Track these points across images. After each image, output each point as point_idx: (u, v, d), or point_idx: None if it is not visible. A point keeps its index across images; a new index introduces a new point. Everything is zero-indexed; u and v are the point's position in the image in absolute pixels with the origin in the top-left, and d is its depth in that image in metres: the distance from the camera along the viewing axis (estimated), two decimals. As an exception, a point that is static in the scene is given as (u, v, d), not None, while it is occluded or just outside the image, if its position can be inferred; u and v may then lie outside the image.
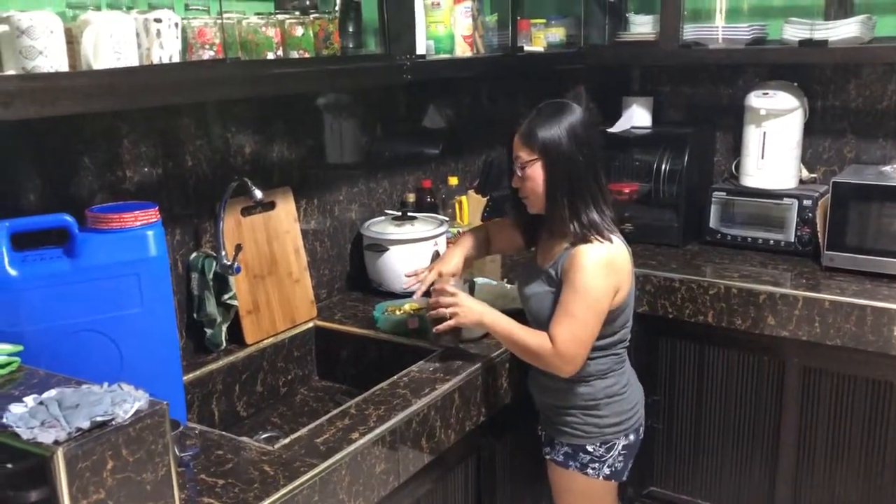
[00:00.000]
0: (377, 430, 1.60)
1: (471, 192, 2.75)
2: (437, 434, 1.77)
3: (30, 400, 1.16)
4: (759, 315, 2.40)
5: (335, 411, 1.69)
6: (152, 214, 1.54)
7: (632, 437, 1.96)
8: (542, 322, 1.84)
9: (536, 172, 1.78)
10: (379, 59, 1.95)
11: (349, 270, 2.47)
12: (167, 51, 1.50)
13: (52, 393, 1.18)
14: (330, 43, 1.84)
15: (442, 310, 1.85)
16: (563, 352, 1.77)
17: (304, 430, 1.61)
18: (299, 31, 1.76)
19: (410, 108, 2.63)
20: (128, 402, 1.16)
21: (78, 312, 1.46)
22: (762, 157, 2.75)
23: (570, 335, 1.76)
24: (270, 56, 1.70)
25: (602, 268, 1.76)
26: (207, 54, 1.58)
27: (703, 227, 2.84)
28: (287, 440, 1.58)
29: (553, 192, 1.78)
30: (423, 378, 1.84)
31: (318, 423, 1.64)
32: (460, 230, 2.65)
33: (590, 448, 1.92)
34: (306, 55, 1.78)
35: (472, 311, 1.84)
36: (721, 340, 2.53)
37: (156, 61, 1.49)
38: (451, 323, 1.85)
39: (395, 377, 1.85)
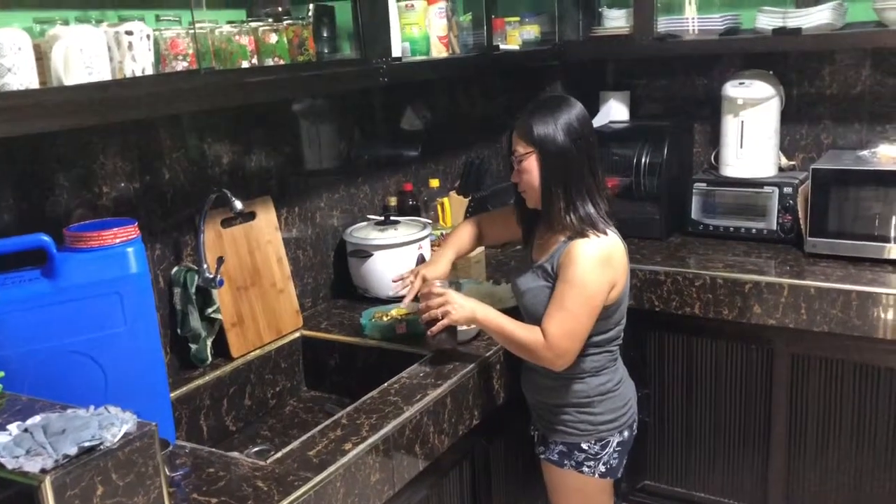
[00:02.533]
0: (370, 440, 1.58)
1: (452, 193, 2.73)
2: (430, 440, 1.75)
3: (14, 427, 1.13)
4: (745, 304, 2.41)
5: (327, 422, 1.67)
6: (132, 231, 1.51)
7: (626, 433, 1.95)
8: (536, 317, 1.83)
9: (532, 166, 1.78)
10: (355, 63, 1.92)
11: (333, 278, 2.44)
12: (140, 63, 1.47)
13: (37, 419, 1.15)
14: (305, 49, 1.82)
15: (434, 311, 1.84)
16: (556, 346, 1.76)
17: (296, 444, 1.59)
18: (273, 38, 1.74)
19: (388, 110, 2.61)
20: (115, 425, 1.13)
21: (59, 334, 1.43)
22: (741, 147, 2.75)
23: (563, 329, 1.75)
24: (245, 65, 1.67)
25: (598, 262, 1.76)
26: (181, 65, 1.55)
27: (685, 218, 2.84)
28: (279, 454, 1.55)
29: (548, 185, 1.78)
30: (413, 384, 1.82)
31: (310, 435, 1.61)
32: (443, 232, 2.64)
33: (584, 446, 1.91)
34: (281, 62, 1.75)
35: (463, 307, 1.83)
36: (709, 331, 2.54)
37: (128, 75, 1.46)
38: (444, 322, 1.84)
39: (386, 384, 1.83)
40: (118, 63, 1.46)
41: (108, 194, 1.79)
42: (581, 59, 3.04)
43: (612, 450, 1.93)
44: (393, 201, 2.59)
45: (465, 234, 2.13)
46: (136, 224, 1.53)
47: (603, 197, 1.84)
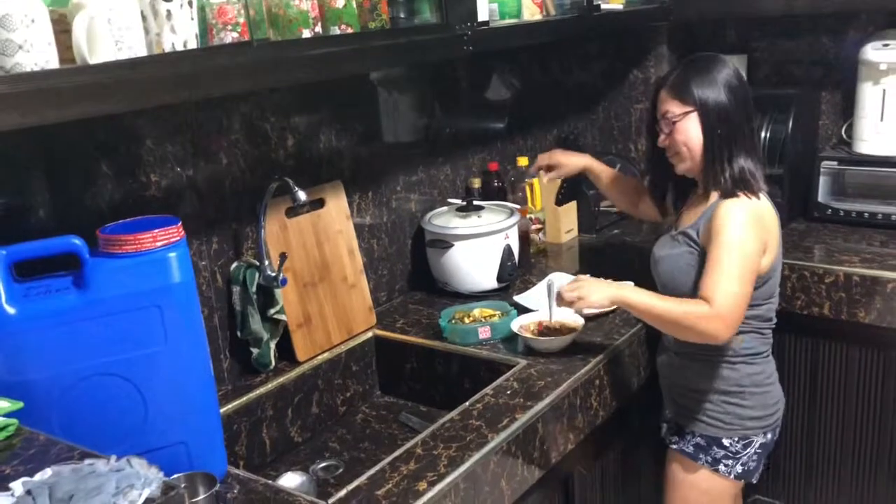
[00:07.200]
0: (448, 479, 1.34)
1: (542, 172, 2.44)
2: (518, 472, 1.51)
3: (18, 486, 0.93)
4: (886, 307, 2.06)
5: (399, 451, 1.44)
6: (174, 232, 1.29)
7: (769, 436, 1.77)
8: (671, 286, 1.72)
9: (689, 126, 1.66)
10: (435, 29, 1.65)
11: (410, 269, 2.21)
12: (181, 35, 1.24)
13: (47, 473, 0.95)
14: (377, 14, 1.56)
15: (568, 297, 1.68)
16: (722, 310, 1.56)
17: (363, 479, 1.36)
18: (340, 1, 1.49)
19: (471, 80, 2.34)
20: (136, 487, 0.92)
21: (91, 354, 1.22)
22: (881, 120, 2.37)
23: (726, 290, 1.57)
24: (307, 34, 1.43)
25: (750, 221, 1.62)
26: (230, 37, 1.32)
27: (809, 201, 2.48)
28: (343, 493, 1.33)
29: (711, 145, 1.66)
30: (500, 404, 1.57)
31: (380, 468, 1.39)
32: (534, 217, 2.37)
33: (726, 442, 1.73)
34: (349, 30, 1.50)
35: (598, 289, 1.67)
36: (840, 335, 2.20)
37: (168, 49, 1.24)
38: (579, 306, 1.69)
39: (468, 403, 1.58)
40: (155, 36, 1.23)
41: (158, 183, 1.59)
42: (693, 19, 2.68)
43: (753, 451, 1.74)
44: (476, 182, 2.33)
45: (619, 174, 2.14)
46: (180, 224, 1.31)
47: (761, 160, 1.71)
